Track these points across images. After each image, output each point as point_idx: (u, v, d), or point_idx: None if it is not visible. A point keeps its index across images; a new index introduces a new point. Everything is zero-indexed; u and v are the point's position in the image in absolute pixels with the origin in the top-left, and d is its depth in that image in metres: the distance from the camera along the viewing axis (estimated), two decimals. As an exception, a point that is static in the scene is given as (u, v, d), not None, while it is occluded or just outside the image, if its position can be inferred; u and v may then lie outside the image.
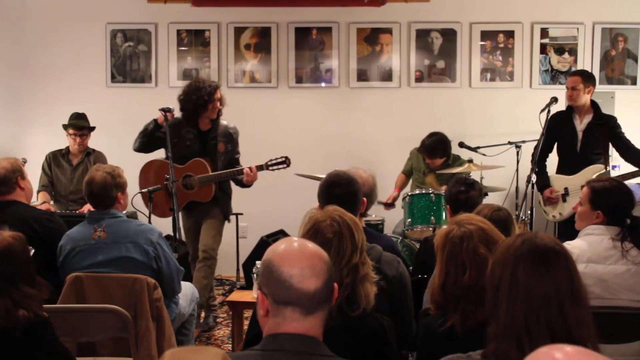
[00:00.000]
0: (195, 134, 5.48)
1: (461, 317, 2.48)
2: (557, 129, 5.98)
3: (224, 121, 5.56)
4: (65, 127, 6.11)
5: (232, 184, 5.70)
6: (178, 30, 7.35)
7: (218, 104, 5.44)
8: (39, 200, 5.85)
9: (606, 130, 5.86)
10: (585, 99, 5.88)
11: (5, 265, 2.66)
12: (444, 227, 2.81)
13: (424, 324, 2.70)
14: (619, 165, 6.16)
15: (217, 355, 1.58)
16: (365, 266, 2.59)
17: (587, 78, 5.92)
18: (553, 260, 1.93)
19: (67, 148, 6.18)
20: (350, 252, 2.54)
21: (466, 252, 2.56)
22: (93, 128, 6.17)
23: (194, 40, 7.37)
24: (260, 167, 5.34)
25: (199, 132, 5.48)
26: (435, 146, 6.26)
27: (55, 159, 6.15)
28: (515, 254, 1.97)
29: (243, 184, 5.53)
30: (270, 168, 5.36)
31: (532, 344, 1.85)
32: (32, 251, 2.95)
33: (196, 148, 5.44)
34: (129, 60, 7.42)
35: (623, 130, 5.93)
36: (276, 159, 5.35)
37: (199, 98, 5.36)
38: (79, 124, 6.08)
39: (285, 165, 5.37)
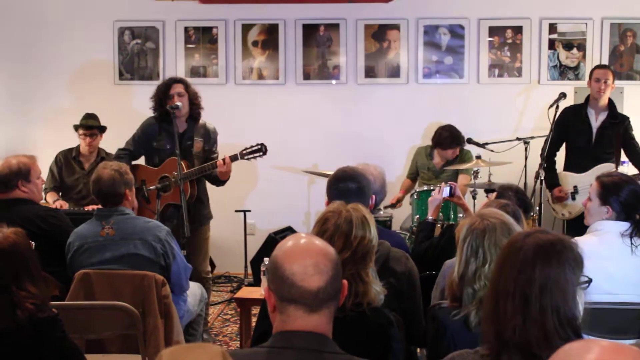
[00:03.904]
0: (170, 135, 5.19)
1: (477, 308, 2.48)
2: (571, 124, 5.97)
3: (202, 121, 5.32)
4: (76, 127, 6.06)
5: (207, 189, 5.47)
6: (186, 28, 7.35)
7: (177, 97, 5.15)
8: (48, 199, 5.80)
9: (620, 129, 5.85)
10: (608, 94, 5.88)
11: (11, 263, 2.65)
12: (464, 220, 2.80)
13: (438, 316, 2.70)
14: (627, 162, 6.13)
15: (215, 352, 1.56)
16: (359, 266, 2.56)
17: (614, 73, 5.96)
18: (515, 258, 1.93)
19: (78, 149, 6.10)
20: (340, 247, 2.52)
21: (488, 245, 2.56)
22: (104, 128, 6.11)
23: (202, 37, 7.36)
24: (234, 157, 5.01)
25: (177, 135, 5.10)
26: (456, 134, 6.26)
27: (67, 162, 6.05)
28: (502, 249, 2.03)
29: (217, 181, 5.24)
30: (246, 157, 5.03)
31: (490, 333, 1.90)
32: (33, 245, 2.94)
33: (172, 150, 5.12)
34: (136, 58, 7.42)
35: (634, 130, 5.94)
36: (252, 146, 5.03)
37: (155, 97, 5.28)
38: (89, 124, 6.02)
39: (261, 153, 5.01)
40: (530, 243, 1.93)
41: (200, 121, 5.31)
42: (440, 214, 5.44)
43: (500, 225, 2.62)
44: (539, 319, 1.84)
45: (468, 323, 2.49)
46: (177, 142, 4.92)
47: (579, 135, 5.99)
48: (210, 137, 5.31)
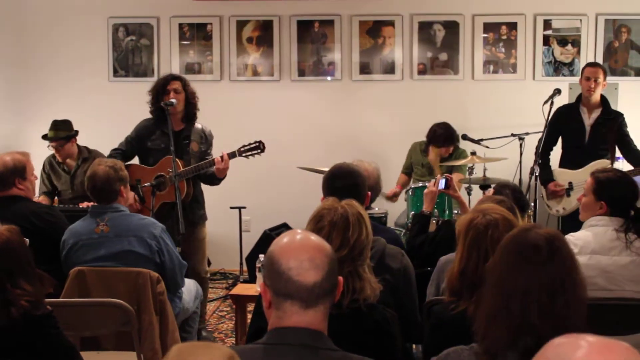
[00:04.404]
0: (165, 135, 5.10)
1: (475, 304, 2.47)
2: (564, 123, 5.98)
3: (198, 125, 5.28)
4: (44, 138, 5.89)
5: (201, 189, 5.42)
6: (180, 24, 7.34)
7: (173, 94, 5.11)
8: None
9: (613, 126, 5.86)
10: (600, 92, 5.88)
11: (5, 260, 2.65)
12: (464, 216, 2.80)
13: (435, 311, 2.69)
14: (621, 157, 6.14)
15: (224, 353, 1.56)
16: (357, 263, 2.55)
17: (605, 71, 5.94)
18: (531, 256, 1.92)
19: None
20: (338, 245, 2.51)
21: (490, 240, 2.56)
22: (72, 135, 5.87)
23: (196, 34, 7.35)
24: (232, 155, 4.99)
25: (172, 132, 4.99)
26: (450, 132, 6.28)
27: (52, 167, 5.95)
28: (502, 245, 2.00)
29: (213, 179, 5.18)
30: (244, 154, 5.01)
31: (493, 332, 1.87)
32: (27, 242, 2.94)
33: (167, 149, 5.01)
34: (131, 55, 7.41)
35: (628, 126, 5.95)
36: (249, 144, 5.02)
37: (152, 91, 5.22)
38: (54, 136, 5.80)
39: (259, 151, 5.01)
40: (536, 238, 1.93)
41: (197, 125, 5.28)
42: (435, 209, 5.46)
43: (503, 221, 2.62)
44: (563, 313, 1.85)
45: (466, 318, 2.48)
46: (172, 138, 4.89)
47: (573, 133, 6.00)
48: (206, 139, 5.30)
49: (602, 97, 5.95)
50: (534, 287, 1.87)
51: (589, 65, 6.06)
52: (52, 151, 5.90)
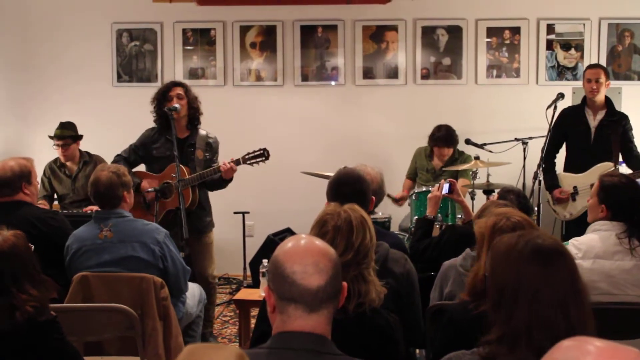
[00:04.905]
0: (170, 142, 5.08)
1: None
2: (569, 125, 5.97)
3: (203, 131, 5.27)
4: (51, 137, 5.98)
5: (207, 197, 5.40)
6: (184, 29, 7.35)
7: (176, 99, 5.11)
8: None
9: (617, 127, 5.85)
10: (604, 93, 5.88)
11: (11, 265, 2.65)
12: (483, 219, 2.79)
13: (451, 309, 2.68)
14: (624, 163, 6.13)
15: (234, 354, 1.57)
16: (362, 266, 2.55)
17: (607, 72, 5.96)
18: (557, 262, 1.90)
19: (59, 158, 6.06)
20: (343, 249, 2.51)
21: None
22: (78, 137, 5.99)
23: (200, 39, 7.36)
24: (236, 162, 4.99)
25: (176, 139, 4.98)
26: (450, 134, 6.29)
27: (53, 173, 6.01)
28: (518, 256, 1.93)
29: (220, 183, 5.16)
30: (248, 162, 5.01)
31: (530, 347, 1.83)
32: (32, 247, 2.94)
33: (172, 156, 4.97)
34: (134, 60, 7.42)
35: (633, 130, 5.94)
36: (254, 151, 5.01)
37: (154, 100, 5.22)
38: (61, 134, 5.90)
39: (263, 158, 5.01)
40: (552, 243, 1.94)
41: (202, 132, 5.27)
42: (439, 214, 5.45)
43: (527, 224, 2.64)
44: (587, 315, 1.86)
45: (482, 318, 2.46)
46: (175, 143, 4.88)
47: (578, 136, 5.99)
48: (212, 146, 5.28)
49: (607, 98, 5.95)
50: (568, 293, 1.86)
51: (589, 67, 6.09)
52: (56, 151, 5.95)
